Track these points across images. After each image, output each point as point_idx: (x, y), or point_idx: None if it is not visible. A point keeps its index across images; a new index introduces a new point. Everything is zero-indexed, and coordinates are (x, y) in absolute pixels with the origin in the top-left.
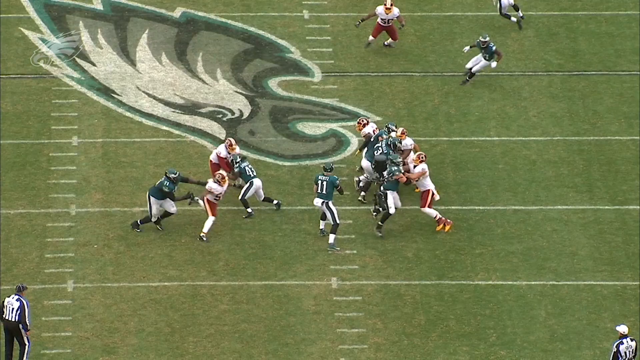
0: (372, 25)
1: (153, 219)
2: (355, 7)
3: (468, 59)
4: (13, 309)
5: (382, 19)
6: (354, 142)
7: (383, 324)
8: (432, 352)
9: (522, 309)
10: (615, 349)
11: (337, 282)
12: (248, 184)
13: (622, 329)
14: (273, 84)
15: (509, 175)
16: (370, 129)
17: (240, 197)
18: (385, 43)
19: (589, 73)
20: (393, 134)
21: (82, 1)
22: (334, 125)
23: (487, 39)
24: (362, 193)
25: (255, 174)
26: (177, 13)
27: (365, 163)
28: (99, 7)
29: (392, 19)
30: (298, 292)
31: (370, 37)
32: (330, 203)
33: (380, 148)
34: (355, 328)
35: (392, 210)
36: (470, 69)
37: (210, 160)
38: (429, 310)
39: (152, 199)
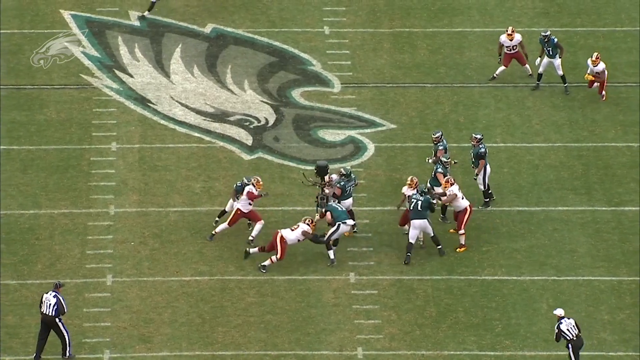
0: (387, 39)
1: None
2: (372, 23)
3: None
4: (50, 304)
5: (507, 47)
6: (371, 147)
7: (397, 316)
8: (442, 342)
9: (525, 302)
10: (557, 330)
11: (354, 277)
12: (336, 226)
13: (559, 312)
14: (296, 94)
15: (514, 178)
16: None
17: (325, 238)
18: (495, 75)
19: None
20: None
21: (121, 18)
22: (352, 132)
23: (548, 32)
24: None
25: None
26: (207, 29)
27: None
28: (136, 23)
29: (515, 45)
30: (319, 286)
31: (502, 67)
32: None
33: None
34: (371, 319)
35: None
36: (541, 74)
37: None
38: (439, 303)
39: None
